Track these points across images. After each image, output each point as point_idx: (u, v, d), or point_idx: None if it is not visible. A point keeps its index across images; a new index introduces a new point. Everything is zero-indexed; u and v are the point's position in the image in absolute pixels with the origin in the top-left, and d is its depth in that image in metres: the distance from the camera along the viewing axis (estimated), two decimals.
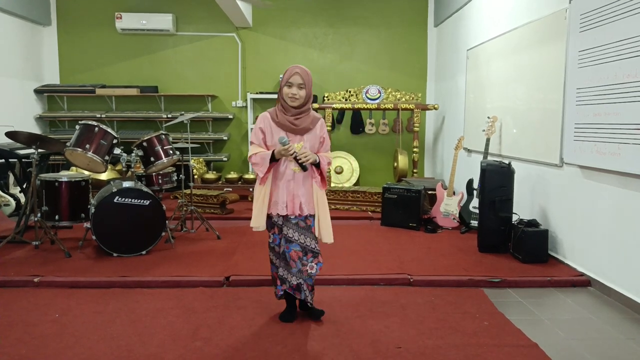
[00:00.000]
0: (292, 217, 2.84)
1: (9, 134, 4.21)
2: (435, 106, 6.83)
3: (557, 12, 4.02)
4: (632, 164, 3.13)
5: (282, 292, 2.93)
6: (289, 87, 2.77)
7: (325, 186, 2.93)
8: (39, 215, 4.23)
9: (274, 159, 2.77)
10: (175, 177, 4.96)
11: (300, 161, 2.74)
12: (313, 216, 2.89)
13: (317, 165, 2.85)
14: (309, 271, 2.86)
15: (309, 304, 2.96)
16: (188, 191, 5.18)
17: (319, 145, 2.90)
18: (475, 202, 4.98)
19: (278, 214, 2.84)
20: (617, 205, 3.35)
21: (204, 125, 7.64)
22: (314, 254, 2.88)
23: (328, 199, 5.62)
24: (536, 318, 3.06)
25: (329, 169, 2.98)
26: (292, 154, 2.72)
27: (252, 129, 7.51)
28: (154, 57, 7.62)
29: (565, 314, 3.13)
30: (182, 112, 6.83)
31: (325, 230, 2.89)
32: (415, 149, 6.81)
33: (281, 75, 7.29)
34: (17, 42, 6.82)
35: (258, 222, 2.84)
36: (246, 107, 7.66)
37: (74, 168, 6.08)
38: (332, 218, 3.01)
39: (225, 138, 7.56)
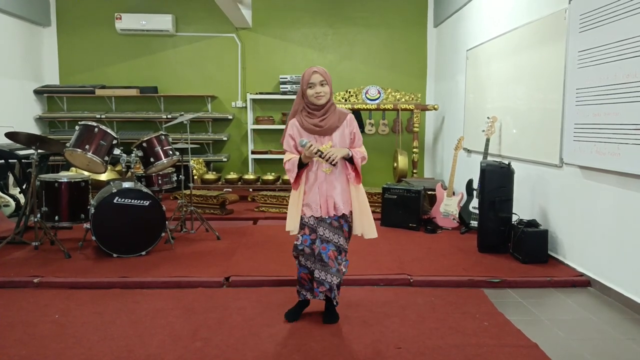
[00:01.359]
0: (326, 217, 2.85)
1: (9, 135, 4.21)
2: (435, 106, 6.83)
3: (556, 12, 4.02)
4: (632, 164, 3.13)
5: (320, 294, 2.88)
6: (311, 87, 2.77)
7: (359, 181, 2.90)
8: (38, 215, 4.22)
9: (302, 164, 2.80)
10: (175, 178, 4.96)
11: (327, 160, 2.74)
12: (347, 216, 2.88)
13: (350, 160, 2.84)
14: (343, 269, 2.89)
15: (335, 302, 2.95)
16: (188, 192, 5.18)
17: (350, 142, 2.89)
18: (475, 203, 4.98)
19: (312, 215, 2.85)
20: (617, 205, 3.35)
21: (204, 125, 7.64)
22: (345, 252, 2.91)
23: None
24: (536, 318, 3.06)
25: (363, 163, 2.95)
26: (316, 154, 2.73)
27: (252, 129, 7.60)
28: (154, 57, 7.62)
29: (565, 314, 3.13)
30: (182, 113, 6.85)
31: (367, 225, 2.90)
32: (415, 150, 6.82)
33: (282, 77, 7.33)
34: (17, 42, 6.82)
35: (292, 225, 2.87)
36: (246, 107, 7.66)
37: (73, 169, 6.08)
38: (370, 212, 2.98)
39: (225, 138, 7.56)
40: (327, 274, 2.85)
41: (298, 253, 2.90)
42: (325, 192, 2.84)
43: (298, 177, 2.84)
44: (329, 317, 2.96)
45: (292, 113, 2.90)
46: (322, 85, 2.78)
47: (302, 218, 2.88)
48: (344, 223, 2.89)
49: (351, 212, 2.91)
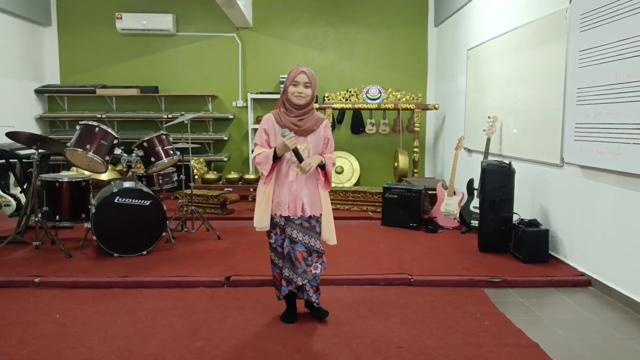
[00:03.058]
0: (295, 218, 2.83)
1: (10, 135, 4.21)
2: (436, 106, 6.83)
3: (557, 11, 4.02)
4: (632, 163, 3.12)
5: (287, 292, 2.90)
6: (294, 85, 2.78)
7: (328, 187, 2.93)
8: (39, 215, 4.23)
9: (277, 157, 2.78)
10: (176, 178, 4.96)
11: (303, 168, 2.73)
12: (318, 217, 2.89)
13: (322, 166, 2.86)
14: (313, 271, 2.86)
15: (314, 304, 2.95)
16: (188, 191, 5.18)
17: (322, 146, 2.90)
18: (475, 202, 4.97)
19: (280, 215, 2.84)
20: (618, 205, 3.35)
21: (205, 125, 7.64)
22: (319, 254, 2.88)
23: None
24: (537, 318, 3.06)
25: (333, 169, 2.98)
26: (292, 147, 2.71)
27: (252, 129, 7.60)
28: (155, 57, 7.62)
29: (565, 314, 3.13)
30: (183, 112, 6.85)
31: (327, 231, 2.91)
32: (415, 149, 6.82)
33: (282, 76, 7.34)
34: (18, 42, 6.83)
35: (262, 222, 2.83)
36: (246, 107, 7.67)
37: (74, 168, 6.09)
38: (333, 218, 2.99)
39: (225, 138, 7.57)
40: (294, 274, 2.85)
41: (272, 251, 2.92)
42: (295, 192, 2.82)
43: (271, 170, 2.82)
44: (317, 316, 2.96)
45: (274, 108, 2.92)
46: (305, 86, 2.78)
47: (273, 217, 2.86)
48: (315, 224, 2.87)
49: (318, 216, 2.89)
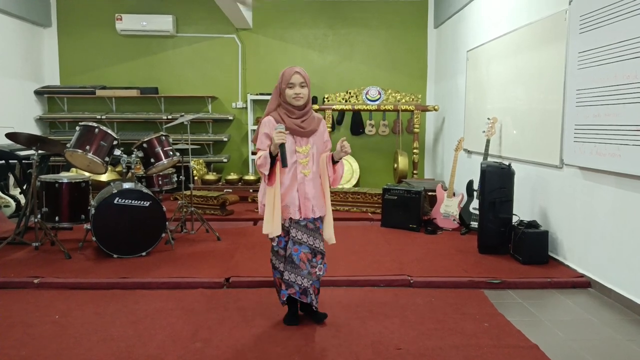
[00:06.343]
0: (301, 219, 2.82)
1: (9, 135, 4.22)
2: (436, 107, 6.83)
3: (557, 13, 4.02)
4: (632, 165, 3.13)
5: (287, 296, 2.85)
6: (291, 87, 2.74)
7: (336, 184, 2.92)
8: (39, 216, 4.23)
9: (273, 157, 2.69)
10: (176, 179, 4.96)
11: (343, 150, 2.78)
12: (322, 218, 2.90)
13: (334, 162, 2.88)
14: (318, 273, 2.85)
15: (314, 307, 2.92)
16: (188, 192, 5.18)
17: (323, 146, 2.89)
18: (475, 204, 4.98)
19: (291, 218, 2.82)
20: (617, 206, 3.35)
21: (204, 126, 7.64)
22: (322, 255, 2.87)
23: None
24: (536, 319, 3.06)
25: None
26: (279, 142, 2.61)
27: (252, 130, 7.59)
28: (154, 58, 7.63)
29: (565, 315, 3.13)
30: (182, 113, 6.86)
31: (331, 230, 2.90)
32: (415, 150, 6.82)
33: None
34: (18, 43, 6.83)
35: (273, 228, 2.74)
36: (246, 108, 7.67)
37: (74, 169, 6.08)
38: (333, 219, 2.98)
39: (225, 139, 7.57)
40: (297, 276, 2.81)
41: (273, 255, 2.90)
42: (304, 194, 2.81)
43: (272, 172, 2.72)
44: (315, 318, 2.95)
45: (267, 112, 2.83)
46: (302, 86, 2.74)
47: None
48: (320, 225, 2.87)
49: (323, 217, 2.90)
